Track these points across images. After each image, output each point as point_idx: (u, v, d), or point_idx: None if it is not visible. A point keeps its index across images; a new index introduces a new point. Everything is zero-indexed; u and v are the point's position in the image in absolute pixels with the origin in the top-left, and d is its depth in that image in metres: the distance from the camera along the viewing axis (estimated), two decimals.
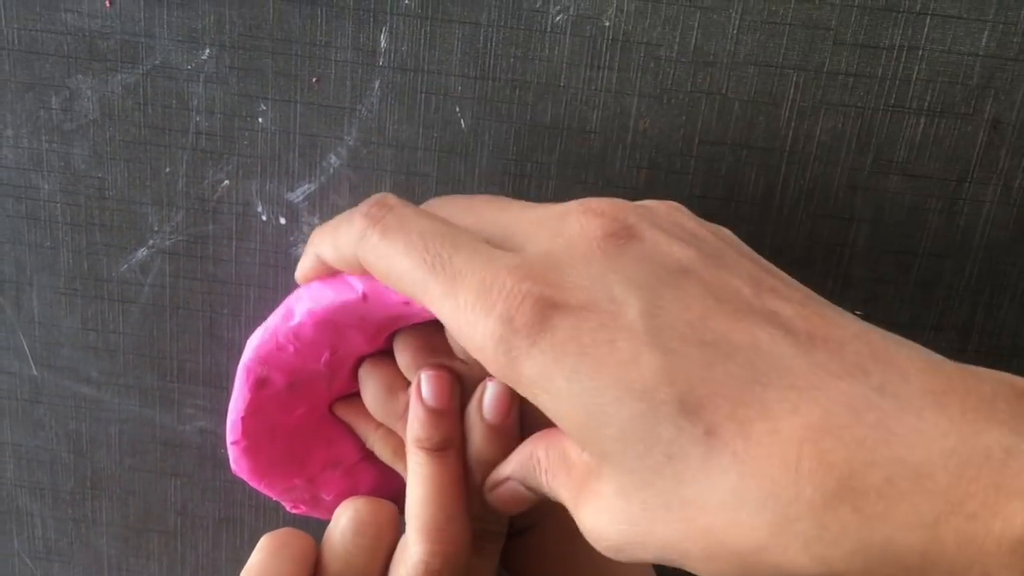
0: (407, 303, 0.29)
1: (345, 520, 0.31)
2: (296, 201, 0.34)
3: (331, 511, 0.32)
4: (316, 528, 0.32)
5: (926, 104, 0.32)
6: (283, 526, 0.31)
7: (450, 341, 0.31)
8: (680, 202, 0.30)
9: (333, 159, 0.34)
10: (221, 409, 0.37)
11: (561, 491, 0.26)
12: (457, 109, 0.33)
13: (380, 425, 0.33)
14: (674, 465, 0.22)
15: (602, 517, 0.24)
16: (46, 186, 0.35)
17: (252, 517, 0.39)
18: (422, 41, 0.32)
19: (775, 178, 0.33)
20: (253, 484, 0.34)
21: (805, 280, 0.34)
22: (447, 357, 0.31)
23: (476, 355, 0.24)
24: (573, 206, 0.26)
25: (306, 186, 0.34)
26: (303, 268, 0.30)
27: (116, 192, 0.35)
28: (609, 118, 0.33)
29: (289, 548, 0.31)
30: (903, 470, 0.20)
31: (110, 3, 0.32)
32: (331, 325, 0.30)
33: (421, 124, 0.33)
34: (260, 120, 0.33)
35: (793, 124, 0.32)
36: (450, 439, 0.30)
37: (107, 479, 0.39)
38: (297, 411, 0.33)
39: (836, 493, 0.20)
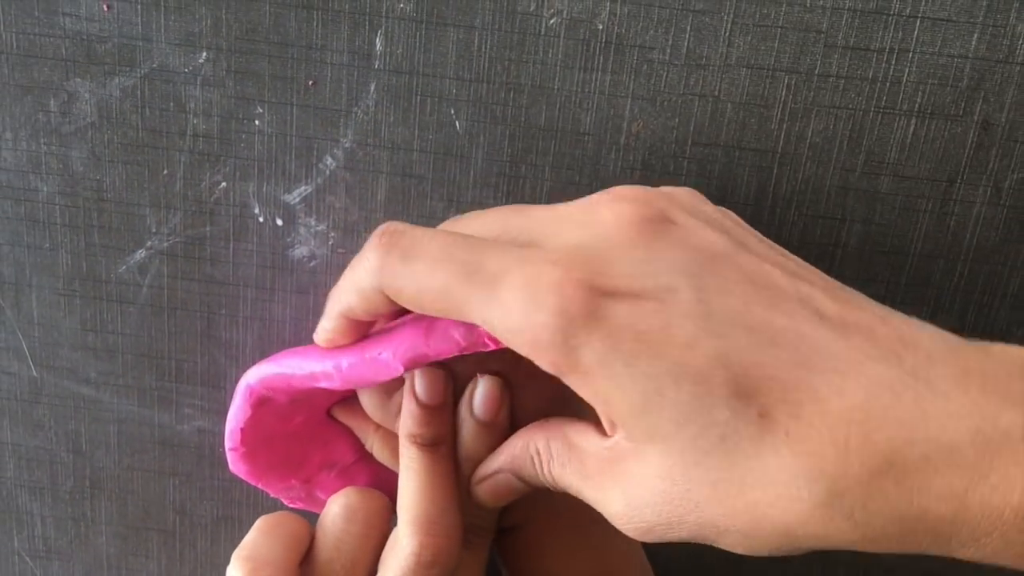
0: (463, 347, 0.27)
1: (337, 507, 0.32)
2: (293, 203, 0.35)
3: None
4: (314, 520, 0.33)
5: (916, 106, 0.32)
6: None
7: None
8: None
9: (329, 161, 0.34)
10: (219, 409, 0.38)
11: (570, 479, 0.27)
12: (452, 111, 0.33)
13: (378, 427, 0.34)
14: (726, 445, 0.23)
15: (637, 499, 0.25)
16: (45, 188, 0.35)
17: (250, 516, 0.39)
18: (417, 44, 0.32)
19: (767, 179, 0.33)
20: (251, 483, 0.34)
21: None
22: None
23: (528, 352, 0.24)
24: (600, 197, 0.26)
25: (303, 188, 0.35)
26: (326, 331, 0.29)
27: (114, 194, 0.35)
28: (602, 120, 0.33)
29: (282, 528, 0.31)
30: (938, 448, 0.22)
31: (108, 7, 0.33)
32: None
33: (417, 126, 0.34)
34: (257, 123, 0.34)
35: (785, 126, 0.33)
36: (442, 435, 0.31)
37: (106, 478, 0.39)
38: (296, 419, 0.33)
39: (880, 468, 0.22)
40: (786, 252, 0.27)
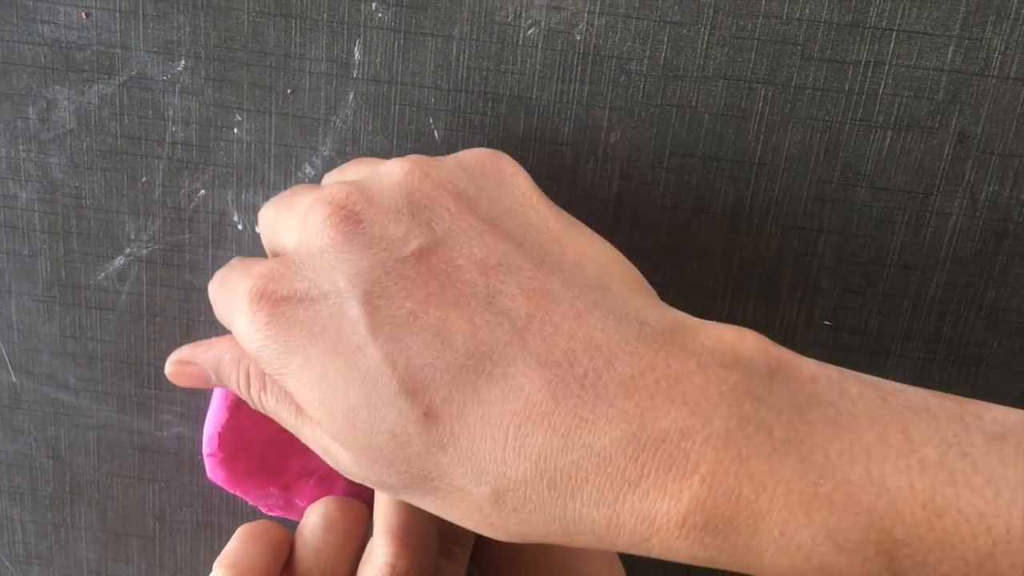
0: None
1: (315, 516, 0.32)
2: None
3: None
4: (293, 528, 0.33)
5: (893, 118, 0.32)
6: None
7: None
8: (651, 213, 0.31)
9: (308, 169, 0.34)
10: (198, 416, 0.38)
11: (284, 417, 0.29)
12: (431, 120, 0.33)
13: None
14: (398, 441, 0.24)
15: (344, 467, 0.27)
16: (24, 195, 0.35)
17: (229, 522, 0.39)
18: (396, 54, 0.32)
19: (745, 190, 0.33)
20: (229, 491, 0.34)
21: (774, 290, 0.35)
22: None
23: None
24: (315, 195, 0.27)
25: None
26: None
27: (93, 201, 0.35)
28: (580, 130, 0.33)
29: (264, 537, 0.32)
30: (589, 454, 0.22)
31: (86, 15, 0.33)
32: None
33: (395, 135, 0.34)
34: (235, 130, 0.34)
35: (762, 137, 0.33)
36: None
37: (85, 484, 0.39)
38: (273, 425, 0.33)
39: (534, 472, 0.23)
40: (518, 228, 0.26)
